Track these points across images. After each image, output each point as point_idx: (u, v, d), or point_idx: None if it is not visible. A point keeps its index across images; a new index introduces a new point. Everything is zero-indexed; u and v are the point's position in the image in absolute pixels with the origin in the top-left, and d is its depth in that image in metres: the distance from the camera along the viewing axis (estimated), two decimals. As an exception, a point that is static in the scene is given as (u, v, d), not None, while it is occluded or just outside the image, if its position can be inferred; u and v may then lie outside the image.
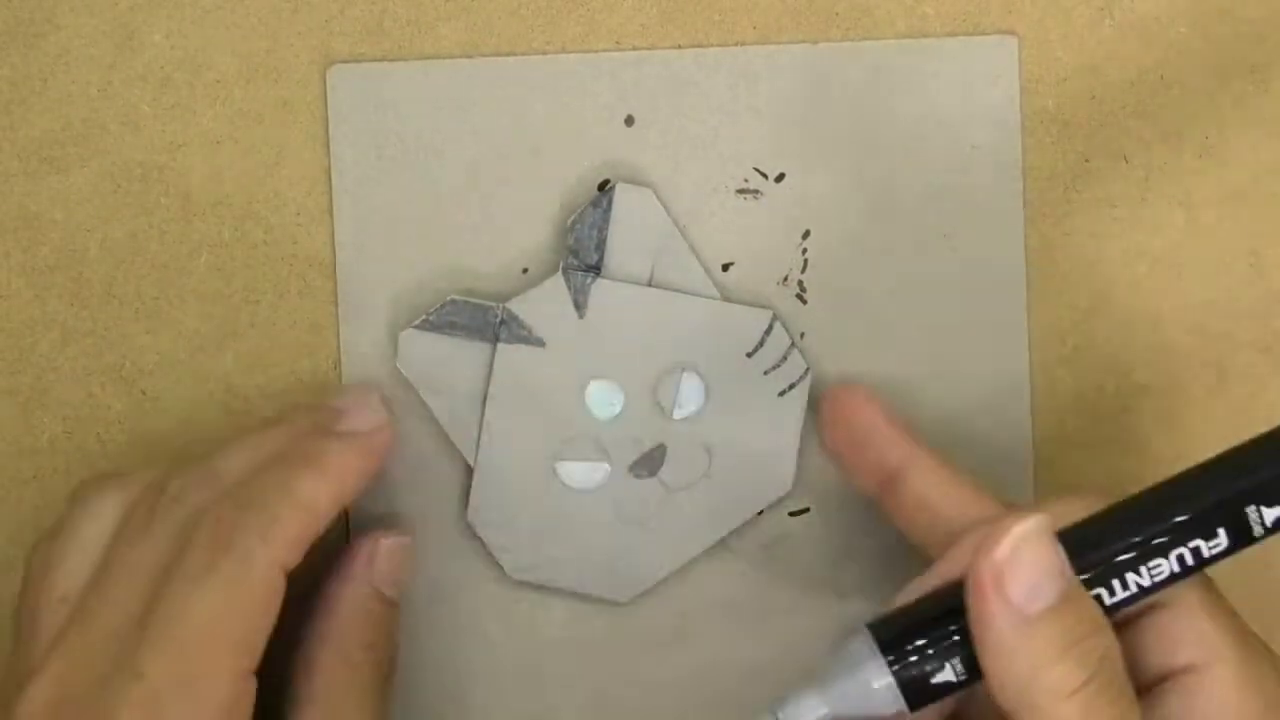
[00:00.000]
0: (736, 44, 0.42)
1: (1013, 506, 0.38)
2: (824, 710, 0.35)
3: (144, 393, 0.43)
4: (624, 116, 0.42)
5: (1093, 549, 0.34)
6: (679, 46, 0.42)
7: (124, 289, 0.42)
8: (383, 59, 0.42)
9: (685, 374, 0.41)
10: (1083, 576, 0.34)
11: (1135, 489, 0.35)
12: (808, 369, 0.42)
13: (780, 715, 0.35)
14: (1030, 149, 0.42)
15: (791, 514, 0.43)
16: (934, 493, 0.38)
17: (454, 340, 0.41)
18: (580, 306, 0.41)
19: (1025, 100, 0.42)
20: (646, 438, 0.42)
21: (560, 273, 0.41)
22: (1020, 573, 0.33)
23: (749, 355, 0.42)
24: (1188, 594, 0.35)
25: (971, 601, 0.33)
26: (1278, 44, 0.43)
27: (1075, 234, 0.42)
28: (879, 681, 0.34)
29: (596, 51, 0.42)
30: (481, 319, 0.41)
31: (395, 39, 0.42)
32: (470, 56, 0.42)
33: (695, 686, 0.43)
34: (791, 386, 0.42)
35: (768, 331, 0.42)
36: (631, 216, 0.42)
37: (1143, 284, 0.43)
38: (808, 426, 0.42)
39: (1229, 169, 0.42)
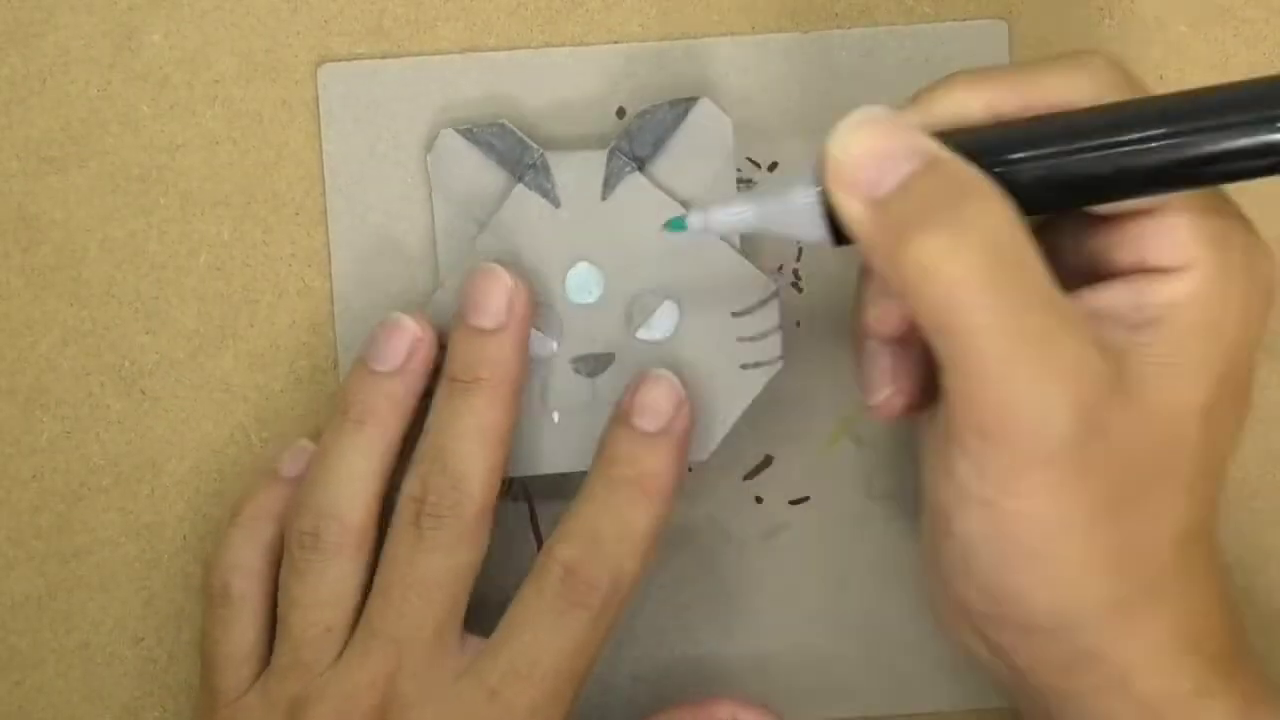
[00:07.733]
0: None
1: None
2: (748, 213, 0.35)
3: (144, 393, 0.43)
4: (615, 109, 0.42)
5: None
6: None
7: (124, 289, 0.43)
8: (382, 58, 0.42)
9: (667, 302, 0.41)
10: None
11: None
12: (780, 358, 0.41)
13: (708, 211, 0.35)
14: (1030, 148, 0.42)
15: (791, 503, 0.43)
16: None
17: (485, 160, 0.41)
18: (607, 189, 0.41)
19: (1025, 100, 0.42)
20: (601, 340, 0.41)
21: (607, 150, 0.41)
22: (858, 163, 0.33)
23: (734, 315, 0.41)
24: (1182, 201, 0.34)
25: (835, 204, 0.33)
26: (1277, 44, 0.43)
27: (1075, 234, 0.42)
28: (804, 198, 0.34)
29: (588, 45, 0.42)
30: (518, 153, 0.41)
31: (394, 38, 0.42)
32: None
33: (695, 676, 0.43)
34: (758, 365, 0.41)
35: (763, 302, 0.41)
36: (700, 136, 0.41)
37: (1142, 284, 0.43)
38: (796, 426, 0.42)
39: (1228, 169, 0.42)
